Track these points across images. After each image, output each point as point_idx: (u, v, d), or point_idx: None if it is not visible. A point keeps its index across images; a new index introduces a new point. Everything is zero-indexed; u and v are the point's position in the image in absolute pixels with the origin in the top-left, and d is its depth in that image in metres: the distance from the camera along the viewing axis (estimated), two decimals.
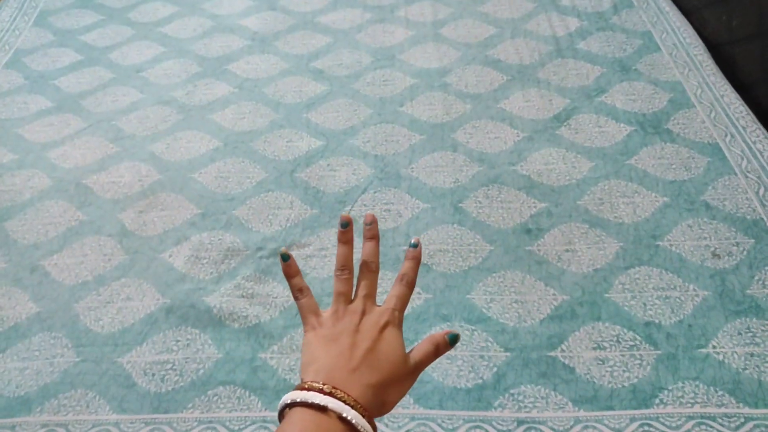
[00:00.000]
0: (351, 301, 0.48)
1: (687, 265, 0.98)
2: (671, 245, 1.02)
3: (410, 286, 0.49)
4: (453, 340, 0.47)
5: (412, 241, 0.51)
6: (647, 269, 0.99)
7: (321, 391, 0.40)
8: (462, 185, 1.15)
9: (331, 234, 1.08)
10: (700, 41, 1.43)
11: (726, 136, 1.20)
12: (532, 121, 1.28)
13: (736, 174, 1.12)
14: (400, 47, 1.51)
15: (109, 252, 1.06)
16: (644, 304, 0.94)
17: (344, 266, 0.49)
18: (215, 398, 0.85)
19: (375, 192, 1.15)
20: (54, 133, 1.31)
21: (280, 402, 0.41)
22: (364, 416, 0.40)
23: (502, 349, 0.89)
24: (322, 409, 0.39)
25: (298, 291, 0.48)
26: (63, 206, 1.14)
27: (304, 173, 1.20)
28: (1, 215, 1.13)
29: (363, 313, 0.46)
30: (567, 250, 1.03)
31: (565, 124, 1.26)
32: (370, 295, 0.48)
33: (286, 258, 0.49)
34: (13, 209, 1.14)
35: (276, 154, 1.24)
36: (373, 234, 0.50)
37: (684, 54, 1.40)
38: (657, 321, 0.91)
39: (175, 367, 0.89)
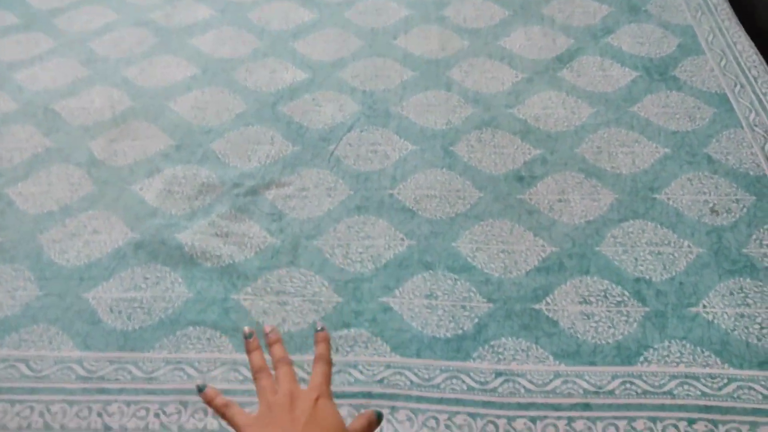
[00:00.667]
0: (275, 393, 0.49)
1: (683, 220, 0.94)
2: (669, 199, 0.97)
3: (328, 363, 0.52)
4: (378, 417, 0.52)
5: (318, 327, 0.55)
6: (642, 223, 0.94)
7: None
8: (454, 127, 1.09)
9: (313, 173, 1.02)
10: None
11: (735, 86, 1.13)
12: (533, 61, 1.20)
13: (742, 127, 1.06)
14: None
15: (76, 182, 1.00)
16: (635, 259, 0.90)
17: (260, 366, 0.51)
18: (184, 339, 0.82)
19: (361, 131, 1.09)
20: (22, 52, 1.23)
21: None
22: None
23: (484, 300, 0.86)
24: None
25: (223, 410, 0.50)
26: (29, 131, 1.08)
27: (287, 107, 1.12)
28: None
29: (292, 396, 0.48)
30: (560, 200, 0.98)
31: (567, 66, 1.19)
32: (293, 381, 0.50)
33: (202, 388, 0.52)
34: None
35: (258, 85, 1.16)
36: (276, 338, 0.54)
37: None
38: (647, 277, 0.88)
39: (143, 305, 0.85)
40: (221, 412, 0.49)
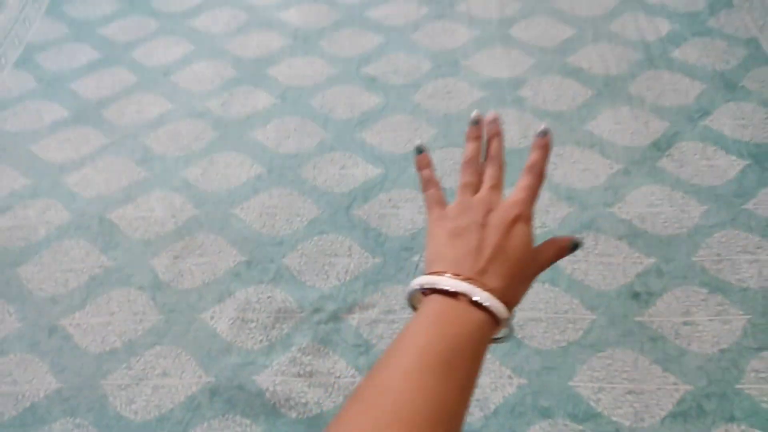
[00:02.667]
0: (475, 193, 0.44)
1: None
2: None
3: (540, 176, 0.45)
4: (574, 245, 0.44)
5: (542, 128, 0.47)
6: None
7: (450, 276, 0.38)
8: (550, 230, 0.98)
9: (399, 291, 0.92)
10: None
11: None
12: (627, 148, 1.09)
13: None
14: (464, 50, 1.31)
15: (140, 310, 0.90)
16: None
17: (471, 158, 0.47)
18: None
19: None
20: (72, 151, 1.15)
21: (408, 288, 0.39)
22: (500, 300, 0.38)
23: None
24: (453, 295, 0.37)
25: (427, 182, 0.46)
26: (85, 248, 0.98)
27: (362, 210, 1.03)
28: (14, 259, 0.97)
29: (489, 205, 0.43)
30: (685, 323, 0.86)
31: (666, 153, 1.08)
32: (497, 186, 0.45)
33: (420, 150, 0.48)
34: (28, 251, 0.98)
35: (328, 184, 1.07)
36: (496, 131, 0.48)
37: None
38: None
39: None
40: (423, 186, 0.46)
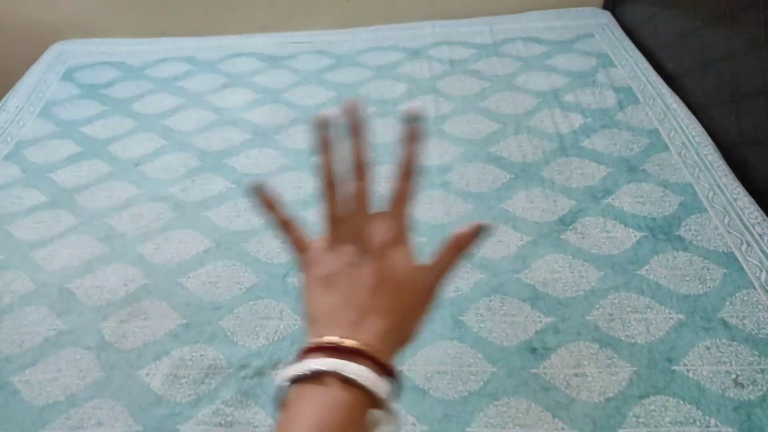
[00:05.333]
0: (343, 222, 0.39)
1: (706, 394, 0.90)
2: (688, 370, 0.93)
3: (412, 175, 0.41)
4: (480, 230, 0.39)
5: (411, 111, 0.39)
6: (663, 399, 0.90)
7: (318, 348, 0.33)
8: (462, 295, 1.09)
9: None
10: (709, 140, 1.39)
11: (741, 244, 1.13)
12: (536, 223, 1.23)
13: (754, 288, 1.05)
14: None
15: (84, 368, 0.99)
16: None
17: (328, 182, 0.41)
18: None
19: None
20: (44, 230, 1.28)
21: (276, 384, 0.35)
22: (376, 358, 0.33)
23: None
24: (318, 377, 0.32)
25: (280, 225, 0.41)
26: (43, 313, 1.09)
27: (297, 278, 1.14)
28: None
29: (359, 236, 0.38)
30: (576, 375, 0.94)
31: (570, 227, 1.21)
32: (363, 208, 0.40)
33: (258, 189, 0.41)
34: None
35: (269, 257, 1.19)
36: (355, 126, 0.39)
37: (693, 154, 1.36)
38: None
39: None
40: (282, 230, 0.41)
